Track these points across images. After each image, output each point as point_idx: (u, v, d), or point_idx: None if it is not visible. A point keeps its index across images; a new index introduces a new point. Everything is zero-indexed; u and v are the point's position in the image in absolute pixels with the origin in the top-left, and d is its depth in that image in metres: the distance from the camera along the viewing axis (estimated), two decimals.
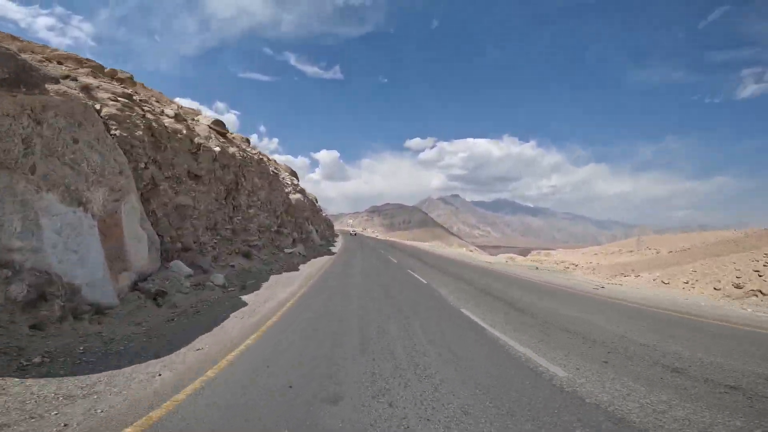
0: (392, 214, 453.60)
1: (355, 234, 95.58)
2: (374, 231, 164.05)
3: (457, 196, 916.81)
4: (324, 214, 58.92)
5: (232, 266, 11.40)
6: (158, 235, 8.69)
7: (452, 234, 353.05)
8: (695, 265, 11.72)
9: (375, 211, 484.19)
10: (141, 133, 8.79)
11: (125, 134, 8.30)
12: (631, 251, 29.03)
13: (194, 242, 10.40)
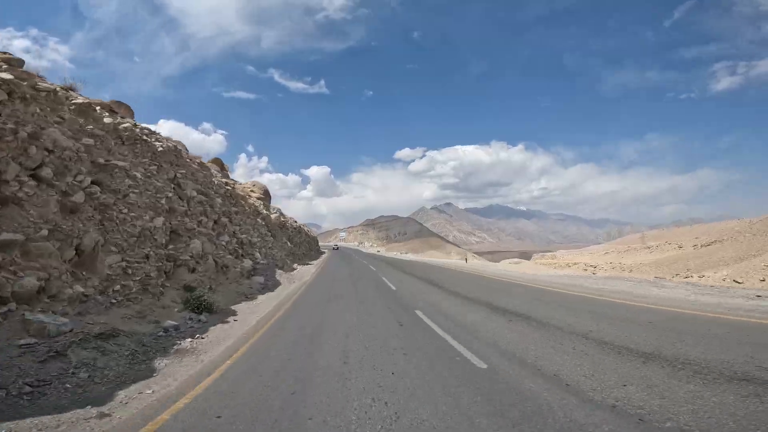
0: (387, 226, 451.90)
1: (337, 248, 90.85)
2: (372, 245, 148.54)
3: (450, 204, 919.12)
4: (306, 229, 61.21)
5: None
6: None
7: (449, 242, 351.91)
8: (764, 259, 10.62)
9: (370, 224, 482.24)
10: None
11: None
12: (648, 248, 28.06)
13: None
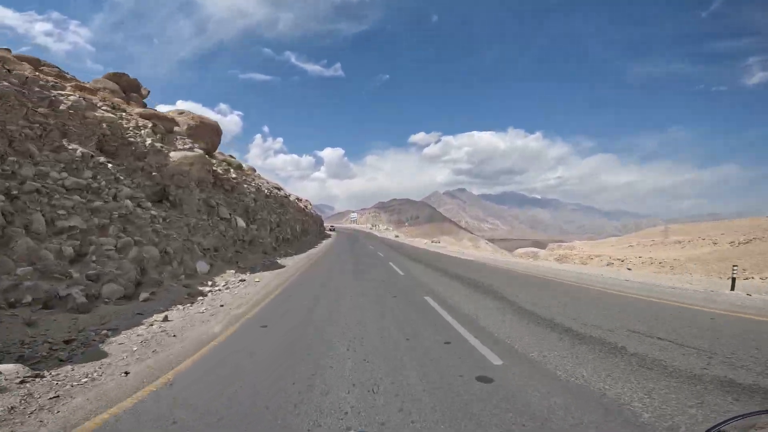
0: (399, 209, 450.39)
1: (333, 229, 69.75)
2: (387, 227, 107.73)
3: (463, 189, 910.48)
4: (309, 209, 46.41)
5: None
6: None
7: (461, 228, 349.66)
8: None
9: (382, 207, 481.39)
10: None
11: None
12: (679, 242, 26.40)
13: None
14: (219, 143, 21.17)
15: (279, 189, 28.65)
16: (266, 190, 24.62)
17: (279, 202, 25.06)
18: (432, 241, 53.25)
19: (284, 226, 24.63)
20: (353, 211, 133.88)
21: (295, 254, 19.85)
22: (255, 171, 29.03)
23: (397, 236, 66.04)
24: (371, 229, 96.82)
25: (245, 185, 20.73)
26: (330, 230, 64.53)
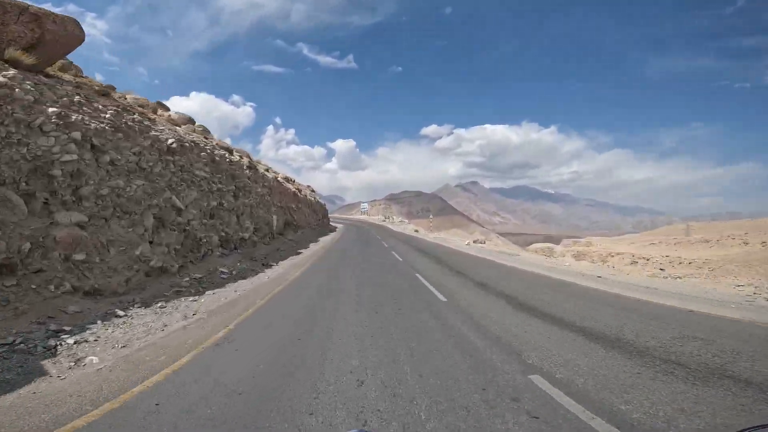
0: (410, 202, 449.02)
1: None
2: (402, 220, 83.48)
3: (475, 182, 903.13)
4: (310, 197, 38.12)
5: None
6: None
7: (472, 221, 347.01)
8: None
9: (392, 198, 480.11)
10: None
11: None
12: (707, 241, 25.17)
13: None
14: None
15: (231, 152, 17.56)
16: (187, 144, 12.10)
17: (228, 173, 14.78)
18: (475, 241, 32.93)
19: (234, 217, 14.85)
20: (364, 202, 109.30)
21: (288, 257, 14.72)
22: (168, 111, 15.96)
23: (416, 231, 51.38)
24: (384, 221, 77.98)
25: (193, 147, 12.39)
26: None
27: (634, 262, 21.27)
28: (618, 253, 25.66)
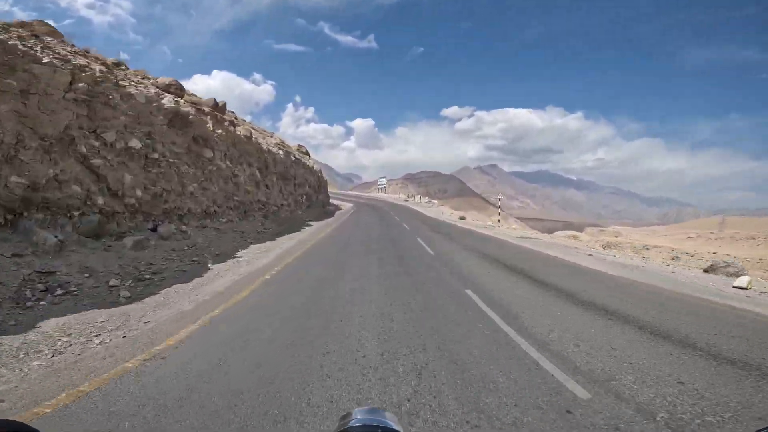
0: (428, 182, 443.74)
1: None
2: (430, 202, 62.70)
3: (495, 166, 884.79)
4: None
5: None
6: None
7: (490, 204, 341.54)
8: None
9: (410, 178, 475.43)
10: None
11: None
12: (754, 238, 22.54)
13: None
14: None
15: (236, 118, 14.03)
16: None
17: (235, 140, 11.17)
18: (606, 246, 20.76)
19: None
20: (382, 177, 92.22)
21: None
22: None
23: (462, 218, 34.87)
24: (407, 201, 59.88)
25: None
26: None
27: (675, 258, 18.99)
28: (654, 246, 23.27)
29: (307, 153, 34.11)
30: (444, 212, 41.57)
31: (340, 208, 34.72)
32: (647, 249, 23.84)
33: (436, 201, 63.70)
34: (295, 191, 24.27)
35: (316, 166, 33.41)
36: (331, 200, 40.56)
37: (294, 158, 25.50)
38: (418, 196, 66.87)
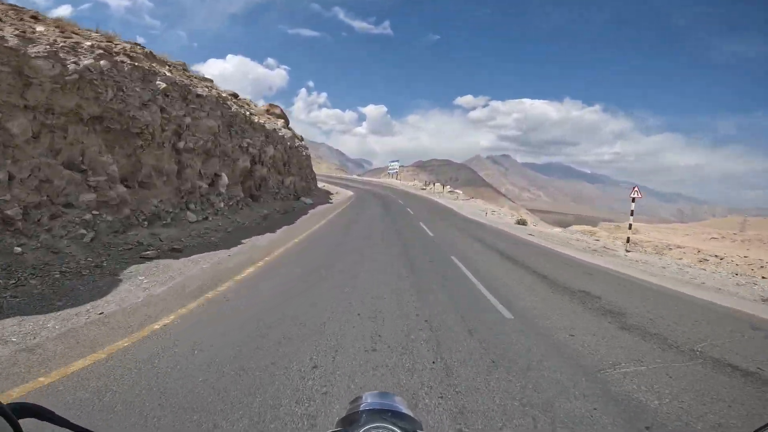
0: (438, 170, 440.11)
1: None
2: (453, 193, 45.33)
3: (507, 156, 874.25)
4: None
5: None
6: None
7: (501, 194, 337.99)
8: None
9: (421, 166, 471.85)
10: None
11: None
12: None
13: None
14: None
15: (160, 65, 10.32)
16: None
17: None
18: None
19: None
20: (394, 161, 75.66)
21: None
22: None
23: (522, 222, 25.79)
24: (425, 188, 48.71)
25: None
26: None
27: (703, 260, 17.83)
28: (678, 246, 22.06)
29: (282, 116, 23.40)
30: (480, 208, 31.70)
31: (329, 200, 24.19)
32: (670, 249, 22.66)
33: (460, 191, 49.50)
34: (233, 172, 13.59)
35: (286, 134, 21.76)
36: (332, 185, 35.35)
37: (228, 108, 13.62)
38: (436, 184, 52.10)
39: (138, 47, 10.37)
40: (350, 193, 31.96)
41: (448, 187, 49.13)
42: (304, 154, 26.40)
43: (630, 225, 16.96)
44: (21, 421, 0.57)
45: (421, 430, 0.68)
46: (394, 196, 32.67)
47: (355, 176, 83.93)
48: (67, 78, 6.86)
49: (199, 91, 11.82)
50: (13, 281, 4.86)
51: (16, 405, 0.59)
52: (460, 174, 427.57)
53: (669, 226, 56.93)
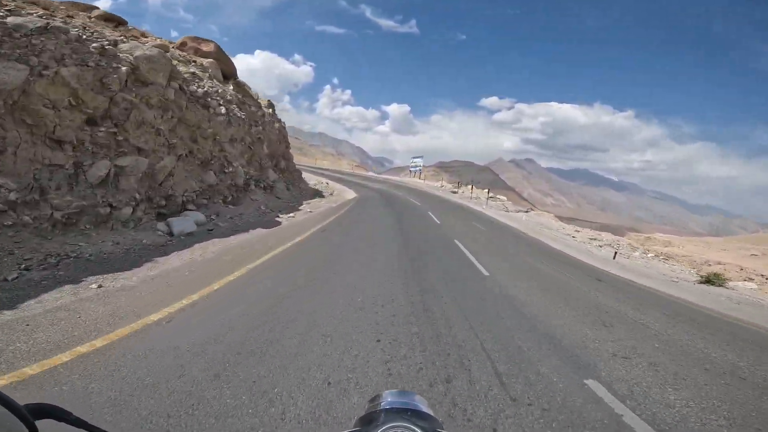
0: (459, 171, 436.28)
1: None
2: (492, 196, 33.57)
3: (531, 160, 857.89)
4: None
5: None
6: None
7: (523, 199, 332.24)
8: None
9: (442, 166, 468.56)
10: None
11: None
12: None
13: None
14: None
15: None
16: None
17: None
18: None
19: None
20: (416, 157, 58.92)
21: None
22: None
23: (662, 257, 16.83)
24: (455, 193, 37.80)
25: None
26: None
27: (748, 278, 16.57)
28: (717, 263, 20.65)
29: (220, 59, 14.51)
30: (560, 228, 21.55)
31: (319, 203, 15.98)
32: (708, 264, 21.34)
33: (504, 197, 38.55)
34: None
35: (211, 87, 12.01)
36: (337, 182, 27.47)
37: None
38: (471, 187, 41.61)
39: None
40: (352, 195, 21.78)
41: (486, 191, 38.20)
42: (282, 134, 19.25)
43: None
44: (38, 423, 0.57)
45: (442, 429, 0.65)
46: (416, 203, 21.91)
47: (371, 173, 70.35)
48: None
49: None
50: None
51: (33, 406, 0.59)
52: (481, 176, 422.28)
53: (702, 239, 54.10)
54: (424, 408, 0.71)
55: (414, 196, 26.45)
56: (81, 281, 4.25)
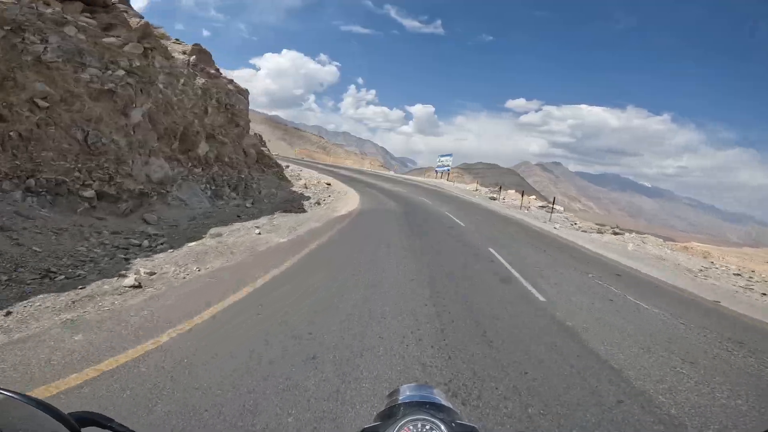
0: (483, 174, 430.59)
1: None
2: (542, 204, 27.81)
3: (558, 164, 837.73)
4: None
5: None
6: None
7: (549, 203, 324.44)
8: None
9: (466, 168, 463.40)
10: None
11: None
12: None
13: None
14: None
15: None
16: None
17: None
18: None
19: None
20: (444, 155, 52.86)
21: None
22: None
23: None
24: (494, 200, 28.88)
25: None
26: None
27: None
28: (764, 279, 19.88)
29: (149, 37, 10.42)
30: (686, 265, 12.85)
31: (283, 221, 10.46)
32: (754, 278, 20.60)
33: (560, 207, 28.76)
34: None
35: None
36: (346, 184, 23.66)
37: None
38: (509, 191, 35.06)
39: None
40: (353, 206, 15.26)
41: (534, 199, 30.62)
42: (241, 107, 15.55)
43: None
44: (83, 430, 0.60)
45: (461, 420, 0.68)
46: (463, 224, 13.66)
47: (391, 173, 65.11)
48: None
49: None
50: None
51: (77, 415, 0.61)
52: (505, 179, 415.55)
53: (740, 250, 51.38)
54: (443, 400, 0.74)
55: (450, 208, 18.68)
56: None
